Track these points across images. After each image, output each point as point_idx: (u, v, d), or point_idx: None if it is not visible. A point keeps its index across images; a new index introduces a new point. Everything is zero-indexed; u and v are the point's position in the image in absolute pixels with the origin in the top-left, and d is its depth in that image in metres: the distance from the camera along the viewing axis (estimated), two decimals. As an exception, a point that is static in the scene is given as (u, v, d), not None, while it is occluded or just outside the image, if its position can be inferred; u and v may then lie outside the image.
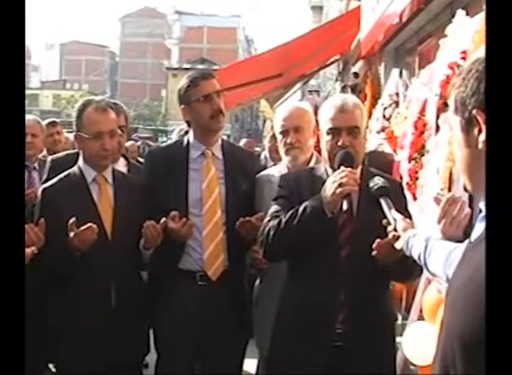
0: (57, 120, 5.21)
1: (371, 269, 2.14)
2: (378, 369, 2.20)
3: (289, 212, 2.21)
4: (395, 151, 3.81)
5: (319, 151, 2.53)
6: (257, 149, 8.23)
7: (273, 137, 3.20)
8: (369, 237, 2.06)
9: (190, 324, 2.66)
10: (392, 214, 2.00)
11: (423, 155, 3.10)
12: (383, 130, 4.32)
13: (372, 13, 5.42)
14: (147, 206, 2.65)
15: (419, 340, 2.52)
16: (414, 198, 3.11)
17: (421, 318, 2.68)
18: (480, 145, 1.06)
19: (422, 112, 3.15)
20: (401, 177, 3.27)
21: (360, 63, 6.60)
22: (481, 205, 1.09)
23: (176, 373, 2.68)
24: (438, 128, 2.88)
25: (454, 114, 1.14)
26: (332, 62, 9.47)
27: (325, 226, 2.16)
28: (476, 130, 1.07)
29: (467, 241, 1.28)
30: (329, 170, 2.28)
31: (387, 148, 4.05)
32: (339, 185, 2.09)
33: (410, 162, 3.24)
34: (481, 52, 1.78)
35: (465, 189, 1.96)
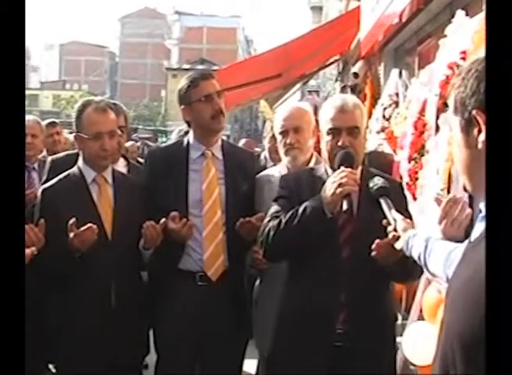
0: (57, 121, 5.20)
1: (372, 270, 2.14)
2: (378, 369, 2.20)
3: (289, 213, 2.21)
4: (395, 151, 3.81)
5: (319, 152, 2.53)
6: (256, 149, 8.22)
7: (273, 137, 3.20)
8: (369, 238, 2.05)
9: (189, 325, 2.66)
10: (392, 214, 1.99)
11: (423, 156, 3.10)
12: (383, 130, 4.32)
13: (372, 13, 5.42)
14: (147, 207, 2.65)
15: (419, 340, 2.52)
16: (414, 199, 3.10)
17: (421, 318, 2.68)
18: (480, 145, 1.06)
19: (422, 112, 3.15)
20: (401, 177, 3.27)
21: (359, 63, 6.60)
22: (481, 205, 1.09)
23: (176, 374, 2.68)
24: (438, 128, 2.88)
25: (454, 114, 1.14)
26: (332, 63, 9.47)
27: (325, 227, 2.16)
28: (476, 131, 1.07)
29: (467, 241, 1.28)
30: (329, 170, 2.28)
31: (387, 149, 4.05)
32: (339, 185, 2.09)
33: (409, 162, 3.24)
34: (480, 52, 1.78)
35: (465, 189, 1.96)
